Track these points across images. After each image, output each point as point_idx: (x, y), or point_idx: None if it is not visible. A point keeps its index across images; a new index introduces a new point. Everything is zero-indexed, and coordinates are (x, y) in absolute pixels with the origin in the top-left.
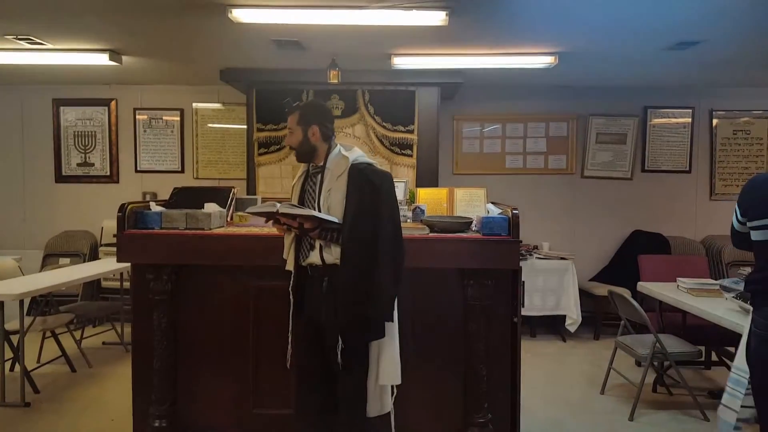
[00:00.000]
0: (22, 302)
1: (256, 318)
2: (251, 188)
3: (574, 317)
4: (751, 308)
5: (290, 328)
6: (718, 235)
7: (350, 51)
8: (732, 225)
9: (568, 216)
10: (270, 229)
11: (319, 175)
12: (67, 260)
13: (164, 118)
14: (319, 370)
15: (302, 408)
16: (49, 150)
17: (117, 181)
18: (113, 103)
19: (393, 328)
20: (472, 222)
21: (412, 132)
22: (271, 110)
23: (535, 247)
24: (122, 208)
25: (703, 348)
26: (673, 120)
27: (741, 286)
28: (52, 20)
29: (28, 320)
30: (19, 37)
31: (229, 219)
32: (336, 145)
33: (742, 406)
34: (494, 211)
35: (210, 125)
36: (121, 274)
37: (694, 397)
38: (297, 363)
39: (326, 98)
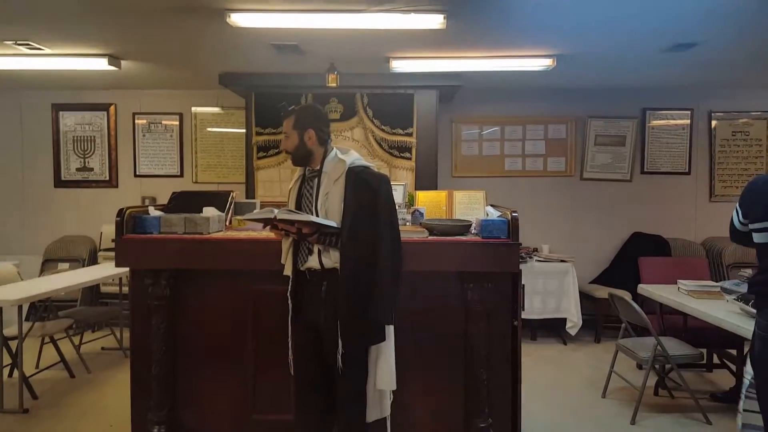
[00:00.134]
0: (20, 308)
1: (255, 323)
2: (250, 192)
3: (574, 320)
4: (755, 311)
5: (290, 334)
6: (718, 237)
7: (349, 55)
8: (732, 222)
9: (567, 218)
10: (268, 234)
11: (316, 179)
12: (66, 265)
13: (163, 122)
14: (318, 375)
15: (302, 413)
16: (49, 155)
17: (116, 186)
18: (112, 107)
19: (390, 333)
20: (471, 225)
21: (410, 135)
22: (270, 114)
23: (535, 250)
24: (120, 213)
25: (704, 351)
26: (672, 122)
27: (742, 288)
28: (50, 25)
29: (26, 326)
30: (18, 42)
31: (228, 223)
32: (332, 148)
33: (752, 411)
34: (493, 213)
35: (209, 129)
36: (120, 279)
37: (696, 401)
38: (296, 368)
39: (325, 102)
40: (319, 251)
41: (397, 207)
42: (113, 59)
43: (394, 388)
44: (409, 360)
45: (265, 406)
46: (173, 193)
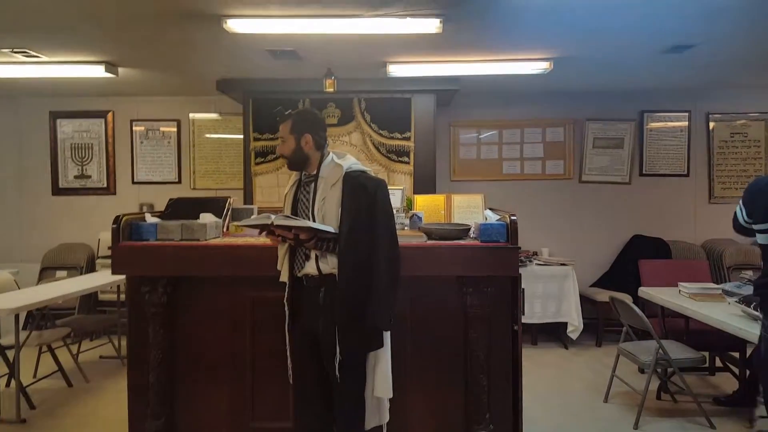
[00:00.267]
0: (17, 316)
1: (253, 329)
2: (248, 198)
3: (575, 324)
4: (760, 313)
5: (287, 341)
6: (718, 239)
7: (346, 60)
8: (736, 218)
9: (566, 221)
10: (265, 240)
11: (312, 184)
12: (64, 273)
13: (161, 129)
14: (317, 382)
15: (301, 420)
16: (46, 163)
17: (114, 193)
18: (110, 114)
19: (387, 339)
20: (470, 229)
21: (408, 139)
22: (268, 120)
23: (535, 254)
24: (117, 220)
25: (707, 354)
26: (670, 124)
27: (743, 290)
28: (48, 33)
29: (23, 335)
30: (15, 50)
31: (225, 229)
32: (329, 153)
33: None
34: (492, 217)
35: (207, 135)
36: (118, 286)
37: (699, 404)
38: (295, 375)
39: (322, 107)
40: (316, 257)
41: (395, 211)
42: (110, 66)
43: (390, 396)
44: (409, 366)
45: (263, 413)
46: (170, 199)
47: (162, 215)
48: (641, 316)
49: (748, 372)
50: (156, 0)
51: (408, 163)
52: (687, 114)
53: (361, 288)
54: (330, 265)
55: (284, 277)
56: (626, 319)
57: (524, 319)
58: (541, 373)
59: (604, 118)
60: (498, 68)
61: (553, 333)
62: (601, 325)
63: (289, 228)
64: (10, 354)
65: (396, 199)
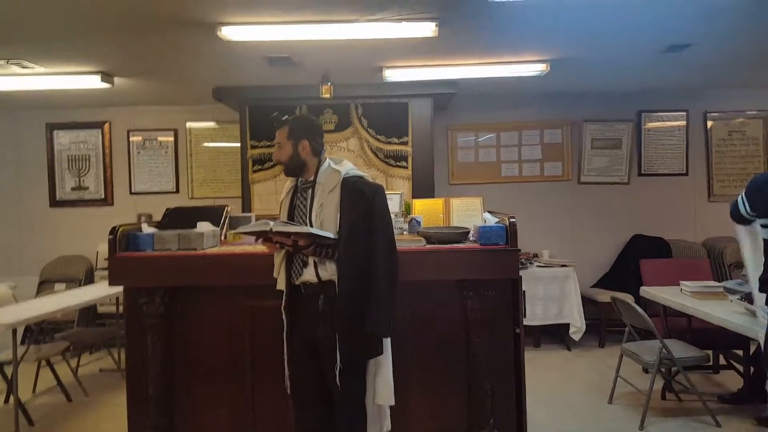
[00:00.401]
0: (14, 331)
1: (252, 339)
2: (246, 205)
3: (577, 325)
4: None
5: (285, 350)
6: (719, 237)
7: (342, 65)
8: (738, 208)
9: (566, 222)
10: (263, 248)
11: (310, 190)
12: (62, 286)
13: (158, 138)
14: (317, 391)
15: (301, 430)
16: (44, 175)
17: (112, 204)
18: (107, 125)
19: (387, 346)
20: (469, 232)
21: (406, 144)
22: (265, 127)
23: (535, 255)
24: (113, 231)
25: (710, 352)
26: (668, 123)
27: (745, 288)
28: (42, 43)
29: (22, 349)
30: (10, 61)
31: (222, 238)
32: (325, 159)
33: None
34: (491, 220)
35: (204, 144)
36: (117, 298)
37: (705, 403)
38: (294, 384)
39: (319, 113)
40: (315, 264)
41: (393, 216)
42: (106, 76)
43: (393, 403)
44: (411, 372)
45: (264, 422)
46: (167, 209)
47: (159, 225)
48: (643, 315)
49: (752, 369)
50: (151, 9)
51: (406, 167)
52: (684, 113)
53: (360, 294)
54: (329, 271)
55: (281, 285)
56: (628, 319)
57: (526, 322)
58: (545, 376)
59: (602, 118)
60: (494, 71)
61: (556, 335)
62: (603, 325)
63: (287, 234)
64: (8, 370)
65: (394, 204)
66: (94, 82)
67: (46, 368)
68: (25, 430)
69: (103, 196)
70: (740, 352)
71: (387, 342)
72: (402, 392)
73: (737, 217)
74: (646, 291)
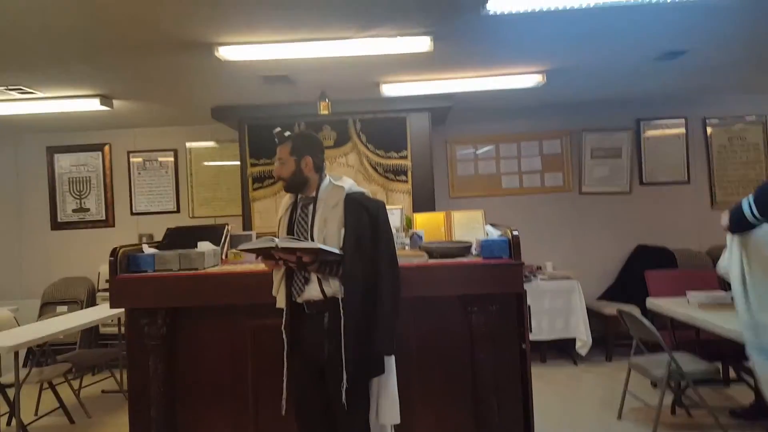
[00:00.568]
0: (17, 354)
1: (254, 358)
2: (247, 224)
3: (584, 339)
4: None
5: (285, 371)
6: (723, 245)
7: (339, 82)
8: (742, 213)
9: (569, 234)
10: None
11: (311, 206)
12: (64, 308)
13: (158, 159)
14: (320, 411)
15: None
16: (44, 198)
17: (113, 225)
18: (107, 147)
19: (391, 364)
20: (471, 246)
21: (405, 158)
22: (264, 145)
23: (539, 268)
24: (114, 253)
25: (720, 364)
26: (667, 131)
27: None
28: (41, 69)
29: (24, 372)
30: (9, 87)
31: (223, 257)
32: (326, 175)
33: None
34: (494, 233)
35: (204, 163)
36: (119, 319)
37: (716, 418)
38: (297, 404)
39: (318, 129)
40: (319, 280)
41: (395, 231)
42: (105, 99)
43: (398, 422)
44: (415, 389)
45: None
46: (168, 229)
47: (160, 245)
48: (651, 328)
49: None
50: (148, 31)
51: (406, 181)
52: (683, 120)
53: (366, 311)
54: (332, 288)
55: (281, 304)
56: (636, 332)
57: (532, 336)
58: (552, 392)
59: (601, 128)
60: (491, 83)
61: (562, 349)
62: (610, 339)
63: (292, 251)
64: (11, 392)
65: (395, 219)
66: (93, 106)
67: (48, 390)
68: None
69: (104, 218)
70: (751, 364)
71: (391, 359)
72: (407, 410)
73: (739, 223)
74: (652, 303)
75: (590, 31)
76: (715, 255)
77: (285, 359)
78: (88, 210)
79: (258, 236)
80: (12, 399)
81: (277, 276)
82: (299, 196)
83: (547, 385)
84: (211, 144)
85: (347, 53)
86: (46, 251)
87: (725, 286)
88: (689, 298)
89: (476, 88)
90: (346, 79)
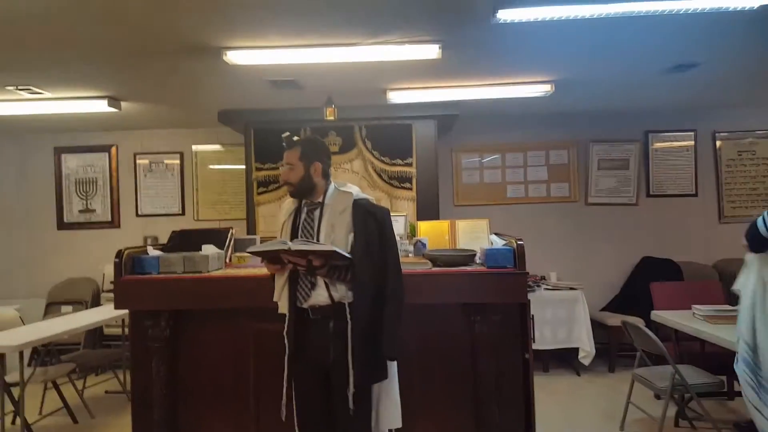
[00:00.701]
0: (21, 353)
1: (257, 362)
2: (251, 228)
3: (587, 349)
4: None
5: (285, 376)
6: (731, 259)
7: (346, 88)
8: (756, 230)
9: (574, 244)
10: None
11: (316, 211)
12: (69, 308)
13: (165, 161)
14: (323, 416)
15: None
16: (51, 198)
17: (119, 227)
18: (114, 148)
19: (393, 369)
20: (475, 254)
21: (410, 165)
22: (269, 149)
23: (543, 278)
24: (119, 254)
25: (724, 378)
26: (676, 143)
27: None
28: (51, 69)
29: (28, 371)
30: (19, 87)
31: (227, 260)
32: (331, 181)
33: None
34: (498, 242)
35: (210, 167)
36: (123, 320)
37: (719, 431)
38: (300, 410)
39: (323, 135)
40: (327, 285)
41: (399, 238)
42: (113, 101)
43: (400, 425)
44: (417, 398)
45: None
46: (173, 232)
47: (164, 248)
48: (655, 340)
49: None
50: (156, 34)
51: (410, 189)
52: (693, 133)
53: (374, 316)
54: (340, 293)
55: (284, 309)
56: (640, 344)
57: (534, 346)
58: (554, 402)
59: (608, 139)
60: (499, 92)
61: (565, 359)
62: (613, 350)
63: (304, 254)
64: (16, 391)
65: (399, 226)
66: (101, 107)
67: (52, 390)
68: None
69: (110, 219)
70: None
71: (393, 364)
72: (408, 419)
73: (755, 240)
74: (657, 315)
75: (601, 41)
76: (722, 269)
77: (286, 364)
78: (94, 211)
79: (262, 241)
80: (17, 398)
81: (280, 281)
82: (303, 201)
83: (549, 395)
84: (217, 147)
85: (355, 59)
86: (52, 251)
87: (731, 300)
88: (695, 311)
89: (483, 97)
90: (353, 85)
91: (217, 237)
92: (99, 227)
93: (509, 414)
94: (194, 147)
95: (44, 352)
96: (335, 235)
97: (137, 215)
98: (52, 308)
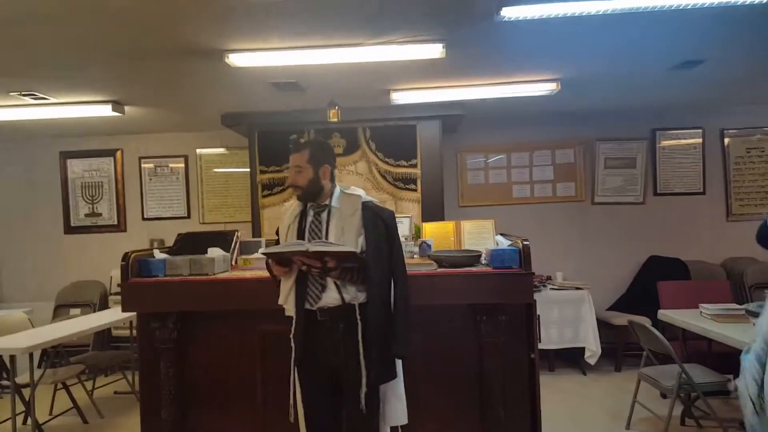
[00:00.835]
0: (31, 355)
1: (264, 363)
2: (256, 230)
3: (593, 349)
4: None
5: (292, 378)
6: (738, 257)
7: (349, 89)
8: (766, 227)
9: (580, 244)
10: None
11: (324, 214)
12: (77, 311)
13: (169, 165)
14: (332, 419)
15: None
16: (58, 202)
17: (125, 230)
18: (119, 153)
19: (400, 366)
20: (481, 255)
21: (415, 166)
22: (274, 152)
23: (549, 278)
24: (126, 257)
25: (731, 377)
26: (683, 141)
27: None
28: (54, 75)
29: (38, 373)
30: (23, 93)
31: (233, 263)
32: (336, 184)
33: None
34: (504, 242)
35: (214, 170)
36: (131, 322)
37: (726, 430)
38: (308, 413)
39: (327, 137)
40: (337, 286)
41: (404, 239)
42: (117, 105)
43: (406, 421)
44: (423, 399)
45: None
46: (178, 234)
47: (170, 251)
48: (662, 339)
49: None
50: (159, 38)
51: (415, 190)
52: (700, 131)
53: (386, 317)
54: (350, 294)
55: (291, 311)
56: (646, 343)
57: (540, 345)
58: (560, 401)
59: (615, 137)
60: (504, 91)
61: (571, 359)
62: (620, 349)
63: (320, 256)
64: (26, 392)
65: (404, 227)
66: (105, 111)
67: (62, 391)
68: None
69: (116, 222)
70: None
71: (399, 362)
72: (413, 419)
73: (765, 238)
74: (664, 314)
75: (607, 38)
76: (729, 267)
77: (293, 367)
78: (100, 215)
79: (267, 244)
80: (27, 399)
81: (287, 284)
82: (309, 204)
83: (555, 394)
84: (221, 150)
85: (358, 60)
86: (60, 255)
87: (739, 298)
88: (702, 310)
89: (488, 96)
90: (357, 86)
91: (223, 240)
92: (105, 231)
93: (515, 413)
94: (198, 150)
95: (54, 354)
96: (345, 238)
97: (143, 219)
98: (60, 311)
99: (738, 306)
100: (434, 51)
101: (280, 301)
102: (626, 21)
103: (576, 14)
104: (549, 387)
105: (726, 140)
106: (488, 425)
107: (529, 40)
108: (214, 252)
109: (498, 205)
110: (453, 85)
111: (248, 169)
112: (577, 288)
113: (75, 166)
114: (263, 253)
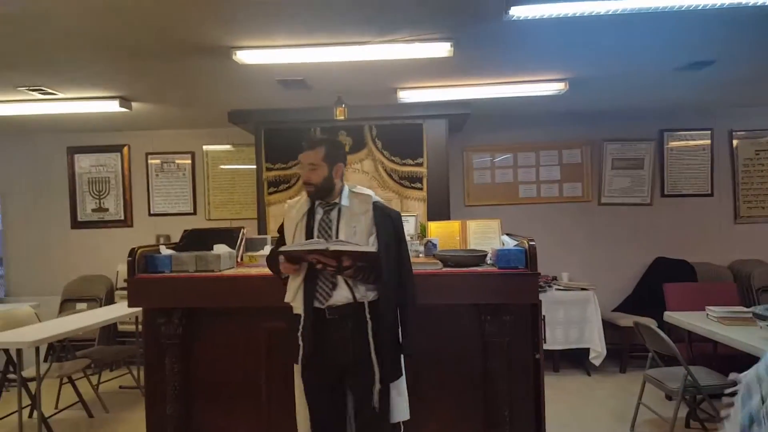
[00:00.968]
0: (38, 349)
1: (269, 360)
2: (262, 227)
3: (598, 350)
4: None
5: (296, 380)
6: (746, 260)
7: (355, 87)
8: None
9: (586, 245)
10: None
11: (333, 212)
12: (84, 305)
13: (176, 161)
14: (335, 417)
15: None
16: (65, 197)
17: (131, 225)
18: (126, 148)
19: (403, 363)
20: (486, 255)
21: (421, 165)
22: (280, 150)
23: (554, 278)
24: (132, 253)
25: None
26: (692, 142)
27: None
28: (62, 70)
29: (44, 367)
30: (31, 88)
31: (239, 260)
32: (344, 182)
33: None
34: (510, 242)
35: (221, 167)
36: (137, 317)
37: None
38: (314, 410)
39: (334, 135)
40: (349, 285)
41: (409, 238)
42: (124, 101)
43: (408, 417)
44: (426, 397)
45: None
46: (185, 231)
47: (176, 247)
48: (668, 341)
49: None
50: (166, 35)
51: (421, 189)
52: (709, 132)
53: (394, 315)
54: (361, 292)
55: (299, 310)
56: (652, 345)
57: (545, 346)
58: (564, 402)
59: (623, 138)
60: (511, 90)
61: (576, 359)
62: (625, 351)
63: (338, 255)
64: (32, 386)
65: (410, 226)
66: (112, 107)
67: (68, 385)
68: None
69: (122, 218)
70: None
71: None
72: (417, 419)
73: None
74: (670, 316)
75: (615, 38)
76: (737, 270)
77: (300, 364)
78: (107, 210)
79: (273, 240)
80: (34, 392)
81: (295, 282)
82: (317, 202)
83: (560, 395)
84: (227, 147)
85: (365, 58)
86: (67, 249)
87: (746, 301)
88: (708, 313)
89: (496, 95)
90: (363, 84)
91: (229, 236)
92: (112, 226)
93: (520, 413)
94: (205, 147)
95: (60, 348)
96: (356, 238)
97: (149, 214)
98: (67, 305)
99: (745, 309)
100: (442, 50)
101: (287, 299)
102: (635, 21)
103: (584, 14)
104: (553, 387)
105: (735, 142)
106: (493, 425)
107: (538, 39)
108: (220, 248)
109: (504, 205)
110: (460, 84)
111: (254, 166)
112: (583, 289)
113: (82, 162)
114: (281, 252)
